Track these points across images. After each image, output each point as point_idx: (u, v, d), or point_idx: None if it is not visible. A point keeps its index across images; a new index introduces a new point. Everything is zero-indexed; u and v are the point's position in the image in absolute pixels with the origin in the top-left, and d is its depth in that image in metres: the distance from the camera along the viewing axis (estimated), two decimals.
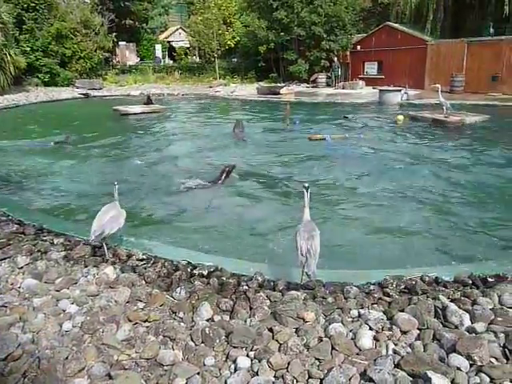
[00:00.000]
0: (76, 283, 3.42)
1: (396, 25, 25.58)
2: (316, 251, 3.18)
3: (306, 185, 3.55)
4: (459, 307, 2.80)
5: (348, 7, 26.40)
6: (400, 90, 19.15)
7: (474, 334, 2.50)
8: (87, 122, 15.31)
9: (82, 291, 3.27)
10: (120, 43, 36.26)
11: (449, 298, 2.97)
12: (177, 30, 45.01)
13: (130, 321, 2.85)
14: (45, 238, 4.46)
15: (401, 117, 13.59)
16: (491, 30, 21.32)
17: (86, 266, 3.73)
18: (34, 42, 26.52)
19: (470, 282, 3.27)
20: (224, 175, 7.17)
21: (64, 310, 3.01)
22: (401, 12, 26.88)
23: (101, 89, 28.13)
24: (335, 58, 25.84)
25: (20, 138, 11.58)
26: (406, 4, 25.98)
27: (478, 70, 21.08)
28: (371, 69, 26.82)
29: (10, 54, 22.04)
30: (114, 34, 32.12)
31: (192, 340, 2.62)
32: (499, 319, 2.63)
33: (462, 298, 2.97)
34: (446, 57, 22.49)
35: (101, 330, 2.72)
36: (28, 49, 26.03)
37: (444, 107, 12.78)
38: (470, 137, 11.18)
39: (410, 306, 2.85)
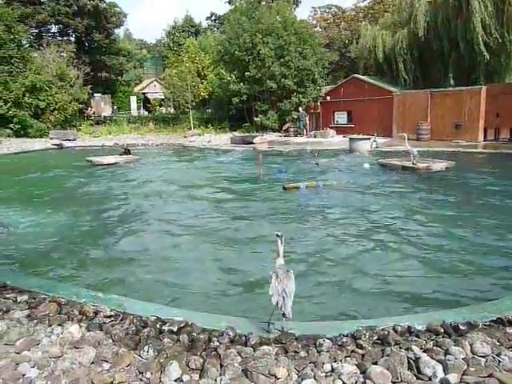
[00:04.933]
0: (38, 344, 3.24)
1: (363, 77, 26.89)
2: (292, 291, 3.25)
3: (280, 233, 3.59)
4: (432, 357, 2.77)
5: (317, 62, 27.68)
6: (369, 139, 19.82)
7: None
8: (59, 173, 15.14)
9: (45, 353, 3.10)
10: (95, 95, 36.80)
11: (421, 349, 2.93)
12: (152, 82, 46.14)
13: None
14: (8, 296, 4.25)
15: (367, 165, 14.12)
16: (451, 82, 22.64)
17: (50, 325, 3.55)
18: (8, 93, 26.54)
19: (442, 330, 3.25)
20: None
21: (23, 375, 2.83)
22: (367, 65, 28.33)
23: (75, 139, 28.12)
24: (300, 108, 26.75)
25: None
26: (371, 58, 27.45)
27: (441, 119, 22.14)
28: (341, 118, 27.80)
29: None
30: (90, 86, 32.63)
31: None
32: (472, 369, 2.61)
33: (435, 347, 2.94)
34: (411, 106, 23.59)
35: None
36: (0, 101, 26.00)
37: (411, 154, 13.24)
38: (437, 182, 11.53)
39: (383, 357, 2.81)
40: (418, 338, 3.15)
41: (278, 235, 3.59)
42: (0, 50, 26.74)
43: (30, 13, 32.81)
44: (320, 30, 41.45)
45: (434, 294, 4.69)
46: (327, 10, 43.98)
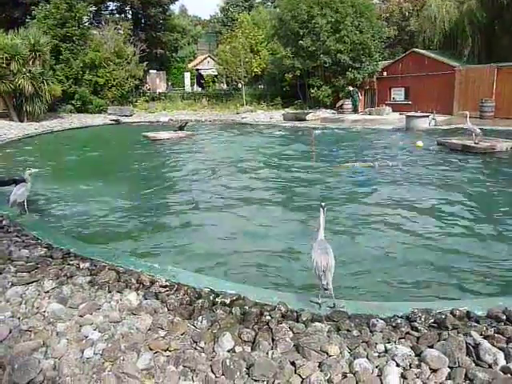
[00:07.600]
0: (99, 309, 3.42)
1: (423, 51, 25.54)
2: (332, 266, 3.29)
3: (323, 204, 3.54)
4: (493, 345, 2.65)
5: (374, 35, 26.60)
6: (427, 116, 18.95)
7: (509, 375, 2.36)
8: (117, 147, 15.71)
9: (105, 317, 3.26)
10: (150, 71, 37.44)
11: (481, 335, 2.81)
12: (205, 58, 46.37)
13: (151, 349, 2.81)
14: (71, 263, 4.51)
15: (420, 143, 13.63)
16: None
17: (109, 292, 3.74)
18: (69, 70, 27.62)
19: (504, 317, 3.10)
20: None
21: (86, 336, 3.00)
22: (428, 39, 26.87)
23: (131, 115, 28.94)
24: (350, 87, 26.11)
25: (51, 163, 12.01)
26: (433, 31, 25.97)
27: (509, 95, 20.68)
28: (398, 95, 26.69)
29: (46, 83, 23.02)
30: (145, 62, 33.21)
31: (212, 371, 2.56)
32: None
33: (496, 334, 2.81)
34: (474, 82, 22.19)
35: (121, 357, 2.70)
36: (63, 77, 27.11)
37: (473, 133, 12.52)
38: (501, 163, 10.88)
39: (439, 341, 2.72)
40: (478, 323, 3.02)
41: (321, 205, 3.55)
42: (62, 28, 27.73)
43: None
44: (378, 1, 39.59)
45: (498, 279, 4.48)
46: None
